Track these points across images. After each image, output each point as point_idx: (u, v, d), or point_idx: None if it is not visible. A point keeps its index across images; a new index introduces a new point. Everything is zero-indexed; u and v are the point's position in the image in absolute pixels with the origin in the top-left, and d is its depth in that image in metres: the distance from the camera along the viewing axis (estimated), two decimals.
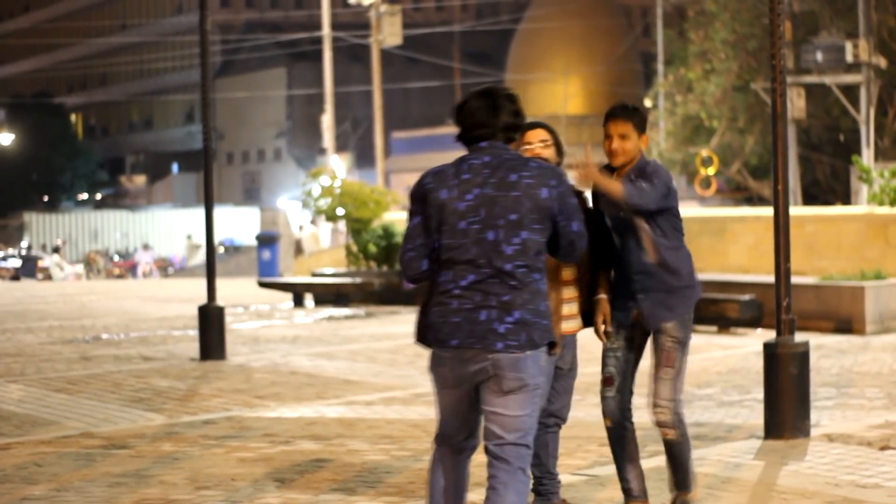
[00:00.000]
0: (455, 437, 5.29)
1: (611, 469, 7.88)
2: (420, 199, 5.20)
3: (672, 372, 6.35)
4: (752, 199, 39.38)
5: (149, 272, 47.03)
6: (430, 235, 5.20)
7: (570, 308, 6.37)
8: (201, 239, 52.89)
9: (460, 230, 5.11)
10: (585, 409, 10.19)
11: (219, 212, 39.72)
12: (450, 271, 5.14)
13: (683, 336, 6.32)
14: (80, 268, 47.58)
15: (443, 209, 5.14)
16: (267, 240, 32.51)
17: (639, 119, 6.31)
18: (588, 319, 6.42)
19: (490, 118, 5.23)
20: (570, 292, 6.36)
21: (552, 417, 6.55)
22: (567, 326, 6.35)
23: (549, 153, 6.32)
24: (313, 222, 37.73)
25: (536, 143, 6.30)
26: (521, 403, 5.10)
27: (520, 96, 5.39)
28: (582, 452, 8.32)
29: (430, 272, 5.22)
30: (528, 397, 5.10)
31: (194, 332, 16.55)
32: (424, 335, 5.20)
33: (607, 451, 8.51)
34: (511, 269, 5.08)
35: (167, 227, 57.92)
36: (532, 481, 6.45)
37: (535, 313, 5.10)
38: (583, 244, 5.27)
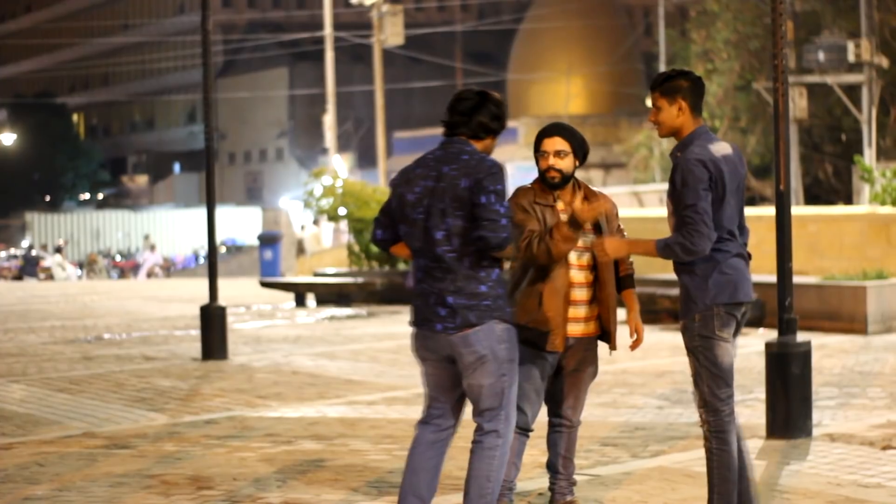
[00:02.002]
0: (433, 408, 5.89)
1: (612, 469, 7.90)
2: (391, 190, 5.93)
3: (693, 379, 6.02)
4: (754, 199, 39.37)
5: (155, 273, 46.99)
6: (389, 215, 5.91)
7: (578, 311, 6.34)
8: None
9: (411, 220, 5.79)
10: (586, 410, 10.17)
11: (221, 212, 39.79)
12: (414, 259, 5.86)
13: (689, 342, 5.95)
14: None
15: (400, 201, 5.84)
16: (269, 240, 32.52)
17: (665, 88, 5.97)
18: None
19: (468, 112, 5.82)
20: (579, 295, 6.33)
21: (556, 417, 6.56)
22: (573, 329, 6.34)
23: (565, 164, 6.30)
24: (315, 222, 37.73)
25: (551, 154, 6.32)
26: (486, 372, 5.70)
27: (506, 107, 5.96)
28: (583, 452, 8.31)
29: (382, 241, 5.98)
30: (490, 366, 5.69)
31: (196, 332, 16.54)
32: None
33: (609, 450, 8.54)
34: (440, 253, 5.70)
35: (169, 227, 57.97)
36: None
37: (470, 297, 5.67)
38: (493, 236, 5.58)
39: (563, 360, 6.40)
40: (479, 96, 5.86)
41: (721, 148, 5.94)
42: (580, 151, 6.36)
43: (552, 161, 6.31)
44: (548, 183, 6.34)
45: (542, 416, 6.58)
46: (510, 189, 6.12)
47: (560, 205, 6.34)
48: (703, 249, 5.77)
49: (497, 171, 5.70)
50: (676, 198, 5.82)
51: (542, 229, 6.21)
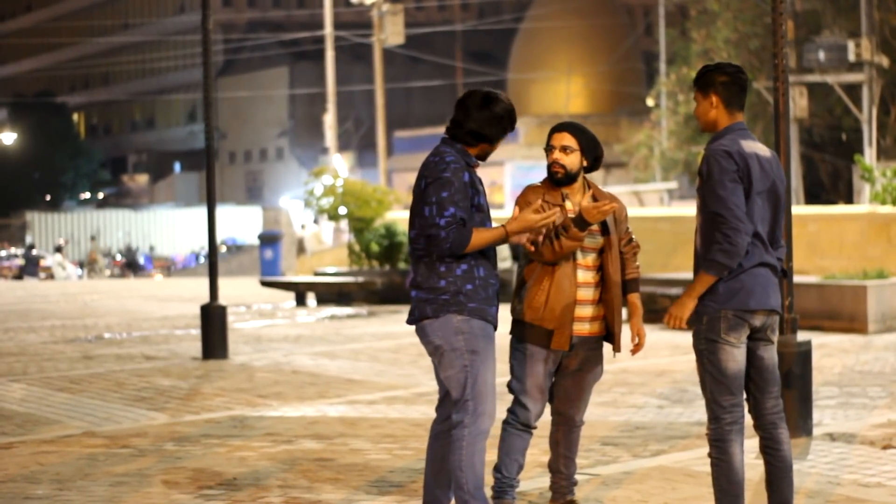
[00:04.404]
0: (439, 398, 6.17)
1: (613, 468, 7.89)
2: None
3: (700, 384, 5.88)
4: None
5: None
6: None
7: (584, 311, 6.31)
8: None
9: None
10: (587, 409, 10.17)
11: (221, 211, 39.81)
12: None
13: (695, 345, 5.81)
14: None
15: None
16: (269, 239, 32.52)
17: (700, 82, 5.83)
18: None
19: (462, 118, 5.93)
20: (585, 295, 6.31)
21: (559, 417, 6.55)
22: (578, 328, 6.31)
23: (570, 161, 6.28)
24: (315, 221, 37.73)
25: (557, 149, 6.31)
26: (447, 364, 5.93)
27: (513, 113, 5.99)
28: (584, 452, 8.31)
29: None
30: (450, 358, 5.91)
31: (196, 332, 16.55)
32: None
33: (610, 450, 8.52)
34: (411, 251, 5.99)
35: (169, 227, 57.95)
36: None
37: (429, 291, 5.90)
38: (437, 250, 5.79)
39: (567, 360, 6.38)
40: (483, 101, 5.91)
41: (754, 146, 5.76)
42: (589, 151, 6.33)
43: (557, 156, 6.29)
44: (552, 178, 6.33)
45: (546, 415, 6.58)
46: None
47: (569, 205, 6.32)
48: (744, 245, 5.58)
49: (443, 178, 5.80)
50: (704, 192, 5.68)
51: (548, 227, 6.21)
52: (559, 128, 6.38)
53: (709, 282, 5.67)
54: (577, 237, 6.12)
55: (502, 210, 33.36)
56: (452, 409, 5.97)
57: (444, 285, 5.87)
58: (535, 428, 6.45)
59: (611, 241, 6.34)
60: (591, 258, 6.33)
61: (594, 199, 6.38)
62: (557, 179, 6.32)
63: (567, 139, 6.31)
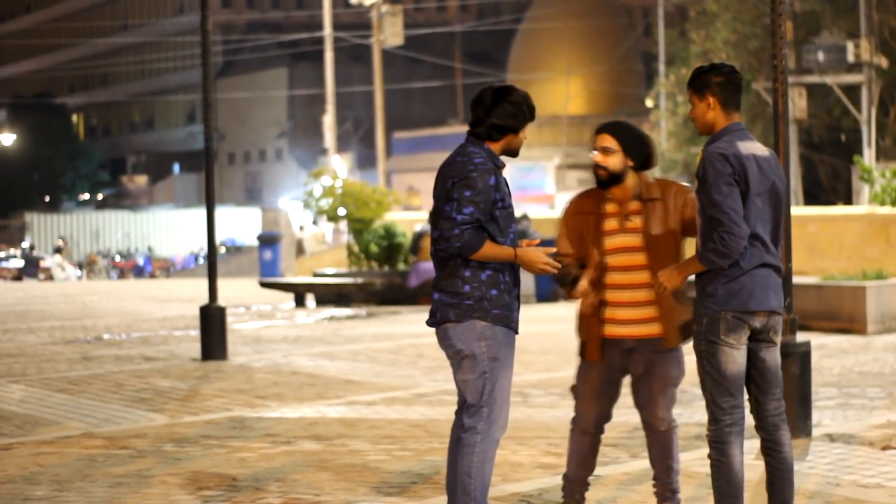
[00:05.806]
0: (459, 403, 5.98)
1: (612, 469, 7.89)
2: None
3: (700, 385, 5.86)
4: None
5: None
6: None
7: (638, 312, 6.17)
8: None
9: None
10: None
11: (220, 212, 39.81)
12: None
13: (695, 346, 5.82)
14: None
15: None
16: (268, 240, 32.53)
17: (695, 84, 5.81)
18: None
19: (483, 115, 5.87)
20: (640, 295, 6.16)
21: (644, 422, 6.47)
22: (633, 330, 6.19)
23: (612, 162, 6.14)
24: (315, 222, 37.73)
25: (598, 151, 6.21)
26: (466, 368, 5.85)
27: (529, 99, 5.91)
28: None
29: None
30: (470, 363, 5.83)
31: (196, 333, 16.54)
32: None
33: (609, 451, 8.51)
34: (434, 252, 5.86)
35: (168, 228, 57.94)
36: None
37: (453, 295, 5.81)
38: (446, 246, 5.69)
39: (631, 364, 6.27)
40: (495, 96, 5.85)
41: (752, 147, 5.73)
42: (633, 150, 6.14)
43: (598, 158, 6.19)
44: (597, 180, 6.25)
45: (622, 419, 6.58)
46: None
47: (611, 206, 6.21)
48: (738, 249, 5.58)
49: (470, 178, 5.73)
50: (701, 196, 5.66)
51: (573, 254, 6.19)
52: (599, 129, 6.25)
53: (699, 268, 5.72)
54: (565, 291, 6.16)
55: None
56: (464, 414, 5.88)
57: (469, 290, 5.79)
58: (594, 432, 6.42)
59: (653, 238, 6.16)
60: (638, 258, 6.17)
61: (640, 196, 6.20)
62: (602, 181, 6.20)
63: (607, 140, 6.18)
